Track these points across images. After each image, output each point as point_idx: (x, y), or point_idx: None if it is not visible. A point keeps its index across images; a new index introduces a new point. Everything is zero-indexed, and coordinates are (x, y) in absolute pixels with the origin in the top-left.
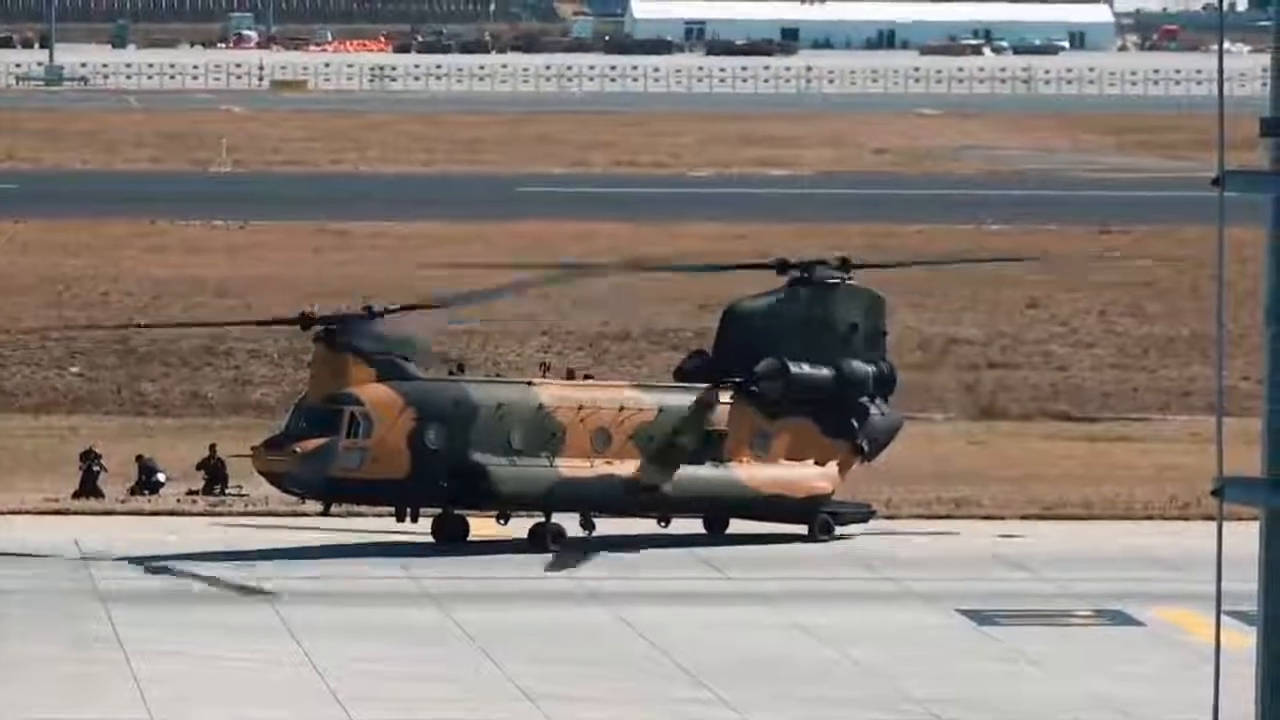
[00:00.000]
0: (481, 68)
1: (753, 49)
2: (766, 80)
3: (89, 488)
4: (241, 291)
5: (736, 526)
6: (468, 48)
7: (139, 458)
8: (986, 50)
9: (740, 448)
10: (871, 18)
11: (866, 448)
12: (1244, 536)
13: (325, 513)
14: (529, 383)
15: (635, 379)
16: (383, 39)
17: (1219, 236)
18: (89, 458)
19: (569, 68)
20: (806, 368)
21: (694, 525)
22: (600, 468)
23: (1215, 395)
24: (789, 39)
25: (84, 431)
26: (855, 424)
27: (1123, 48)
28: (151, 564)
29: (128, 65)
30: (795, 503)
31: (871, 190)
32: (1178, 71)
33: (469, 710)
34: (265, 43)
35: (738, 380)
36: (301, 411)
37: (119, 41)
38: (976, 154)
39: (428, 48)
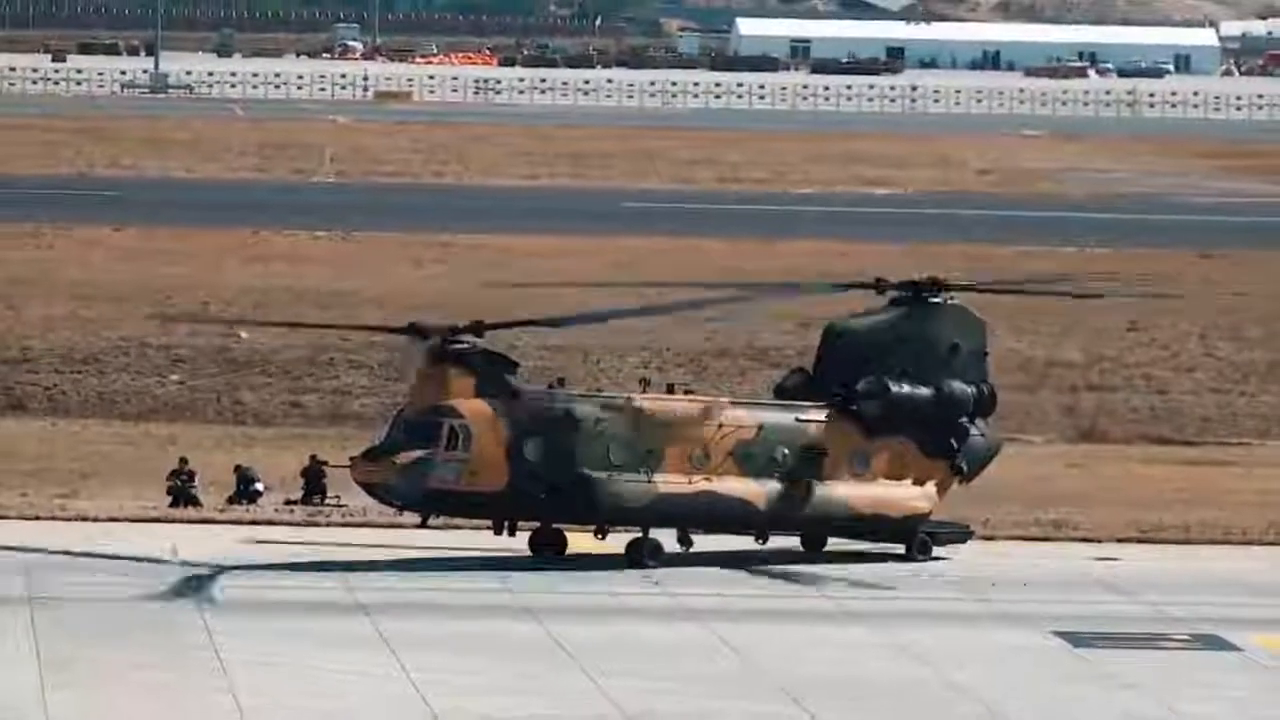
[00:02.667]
0: (586, 82)
1: (858, 68)
2: (871, 99)
3: (182, 503)
4: (343, 303)
5: (834, 545)
6: (573, 62)
7: (237, 467)
8: (1091, 72)
9: (839, 466)
10: (977, 38)
11: (965, 468)
12: None
13: (423, 525)
14: (630, 397)
15: (736, 396)
16: (488, 52)
17: None
18: (177, 475)
19: (674, 84)
20: (907, 387)
21: (792, 542)
22: (700, 484)
23: None
24: (894, 58)
25: (183, 440)
26: (955, 444)
27: (1227, 72)
28: (249, 573)
29: (232, 74)
30: (893, 522)
31: (972, 210)
32: None
33: None
34: (370, 54)
35: (838, 398)
36: (400, 423)
37: (224, 50)
38: (1080, 176)
39: (533, 61)
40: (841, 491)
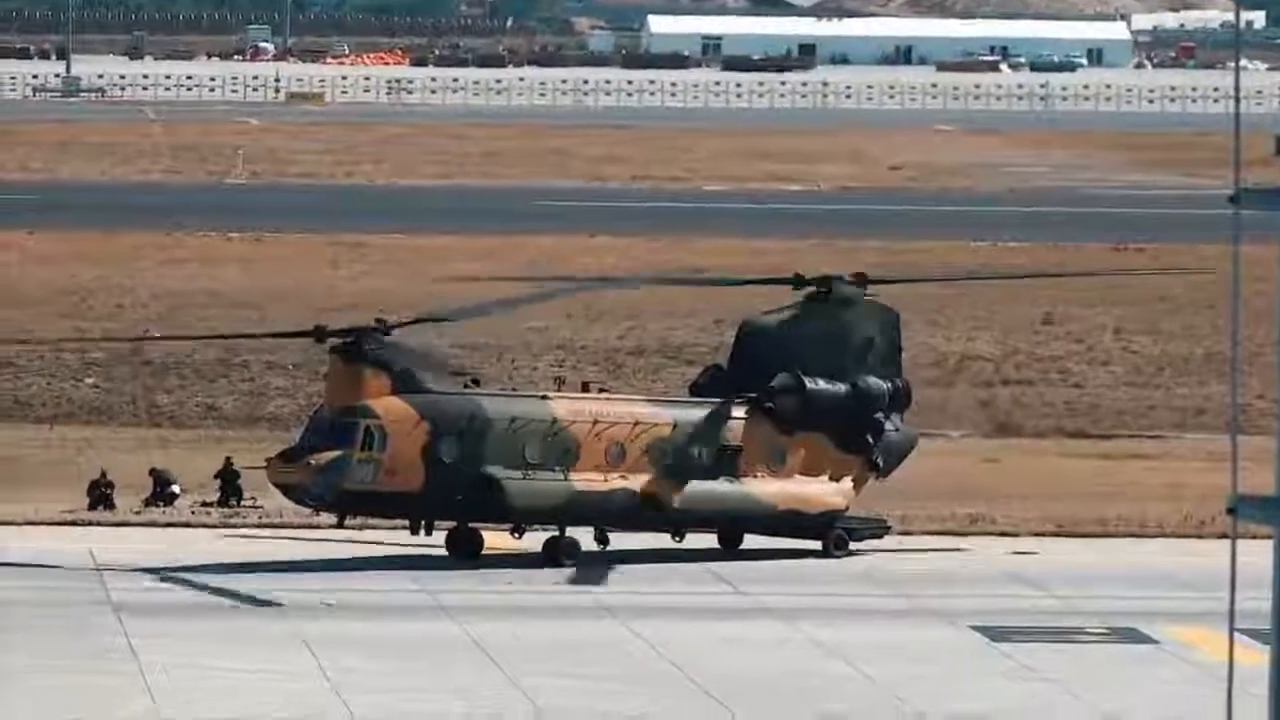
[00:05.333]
0: (498, 81)
1: (769, 64)
2: (783, 95)
3: (100, 506)
4: (257, 303)
5: (751, 541)
6: (485, 61)
7: (153, 470)
8: (1004, 67)
9: (755, 463)
10: (888, 34)
11: (881, 464)
12: (1258, 555)
13: (340, 525)
14: (544, 396)
15: (650, 394)
16: (399, 52)
17: (1234, 254)
18: (97, 486)
19: (586, 82)
20: (822, 383)
21: (709, 540)
22: (615, 481)
23: (1230, 413)
24: (806, 54)
25: (99, 442)
26: (870, 440)
27: (1140, 65)
28: (165, 575)
29: (145, 77)
30: (810, 518)
31: (888, 206)
32: (1194, 89)
33: None
34: (282, 55)
35: (753, 395)
36: (316, 424)
37: (136, 53)
38: (993, 170)
39: (444, 61)
40: (758, 488)
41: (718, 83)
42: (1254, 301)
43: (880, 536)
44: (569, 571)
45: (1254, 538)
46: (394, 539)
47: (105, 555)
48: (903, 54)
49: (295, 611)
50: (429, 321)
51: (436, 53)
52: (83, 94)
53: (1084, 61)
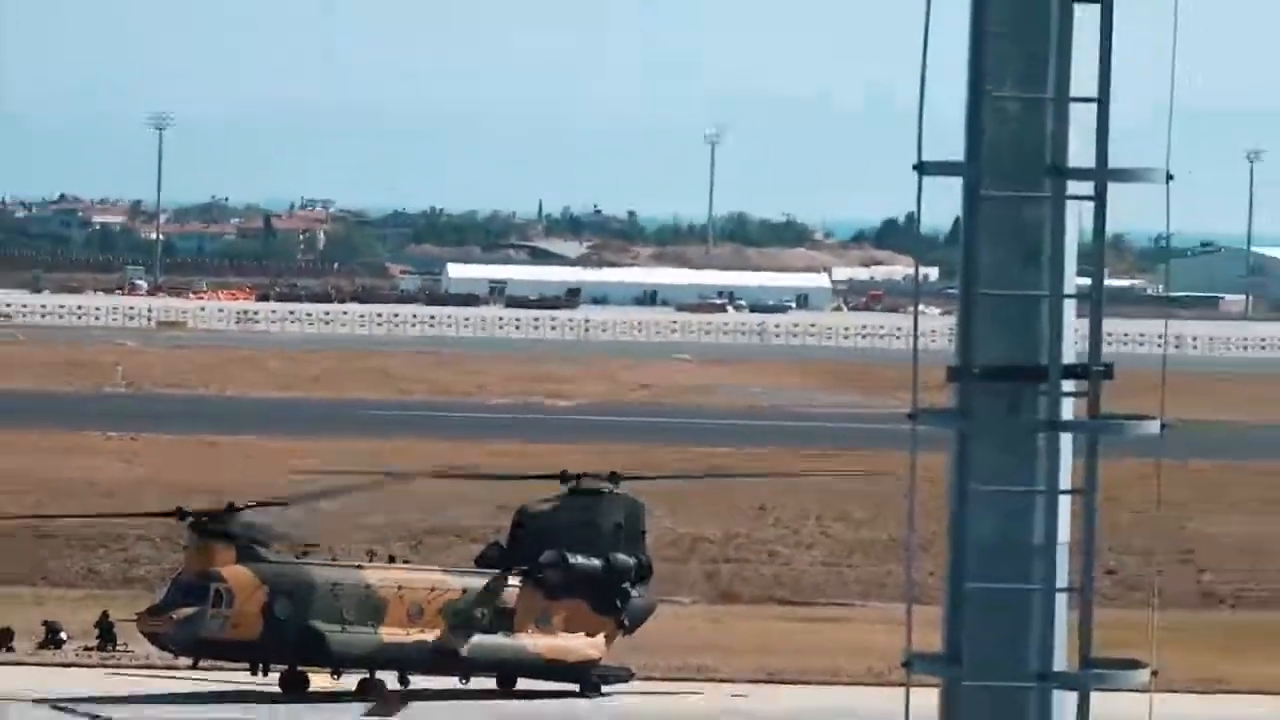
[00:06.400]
0: (327, 314)
1: (543, 303)
2: (554, 329)
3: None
4: (129, 489)
5: (523, 684)
6: (316, 297)
7: (45, 621)
8: (730, 308)
9: (527, 621)
10: (639, 280)
11: (628, 623)
12: (929, 697)
13: (194, 666)
14: (359, 566)
15: (443, 566)
16: (248, 289)
17: (912, 461)
18: (4, 637)
19: (396, 315)
20: (581, 559)
21: (489, 682)
22: (415, 635)
23: (906, 587)
24: (572, 296)
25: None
26: (619, 604)
27: (838, 308)
28: (56, 705)
29: (43, 306)
30: (570, 666)
31: (636, 418)
32: (882, 328)
33: None
34: (154, 291)
35: (526, 569)
36: (176, 586)
37: (35, 287)
38: (722, 391)
39: (283, 297)
40: (529, 642)
41: (502, 318)
42: (927, 501)
43: (625, 681)
44: (373, 705)
45: (925, 686)
46: (237, 678)
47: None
48: (650, 297)
49: None
50: (269, 505)
51: (277, 290)
52: None
53: (793, 305)
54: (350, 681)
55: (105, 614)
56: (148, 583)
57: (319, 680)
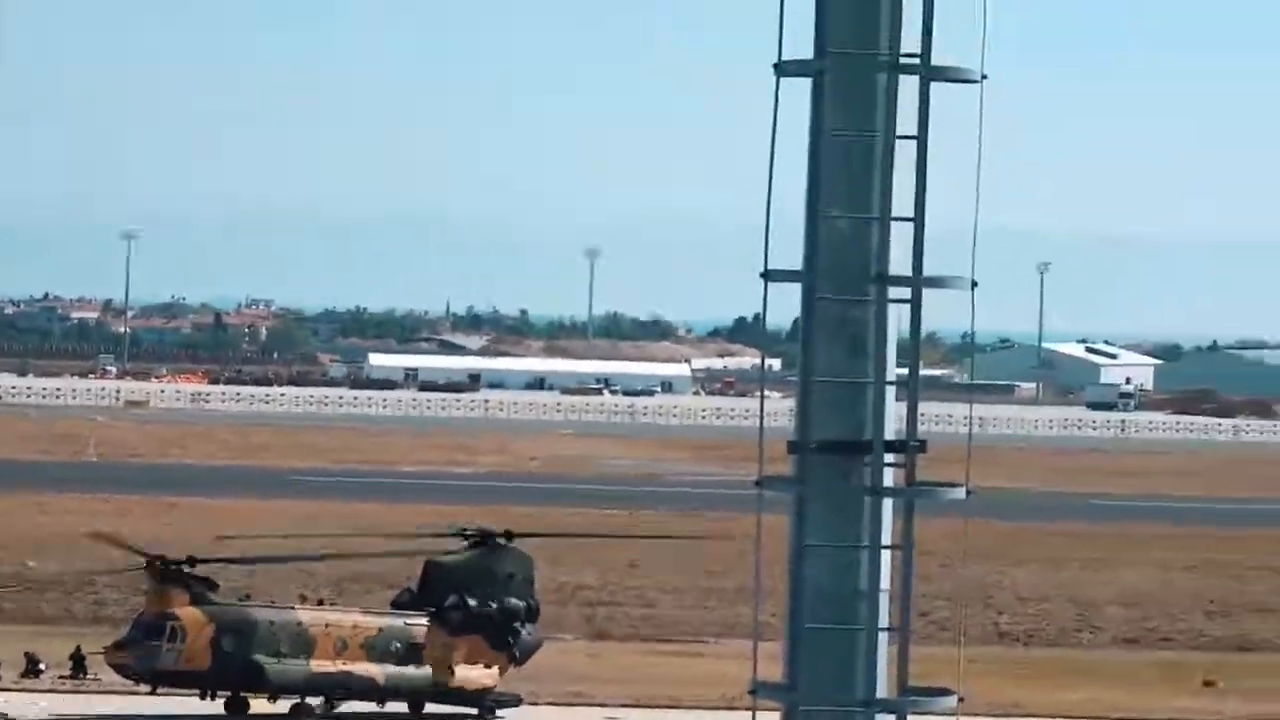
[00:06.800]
0: (268, 395)
1: (450, 387)
2: (458, 409)
3: None
4: (101, 545)
5: (430, 708)
6: (259, 381)
7: (27, 653)
8: (606, 392)
9: (433, 654)
10: (530, 368)
11: (519, 656)
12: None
13: (153, 692)
14: (292, 607)
15: (364, 607)
16: (201, 374)
17: (758, 520)
18: None
19: (326, 397)
20: (478, 602)
21: (402, 706)
22: (340, 666)
23: (753, 626)
24: (474, 381)
25: None
26: (511, 641)
27: (696, 393)
28: None
29: (28, 388)
30: (469, 693)
31: (527, 485)
32: (734, 409)
33: None
34: (121, 375)
35: (433, 610)
36: (138, 624)
37: (21, 372)
38: (600, 462)
39: (231, 381)
40: (435, 672)
41: (415, 400)
42: (775, 555)
43: (515, 705)
44: None
45: (769, 710)
46: (189, 704)
47: None
48: (539, 382)
49: None
50: (230, 562)
51: (226, 375)
52: None
53: (659, 389)
54: (284, 706)
55: (78, 648)
56: (114, 621)
57: (258, 705)
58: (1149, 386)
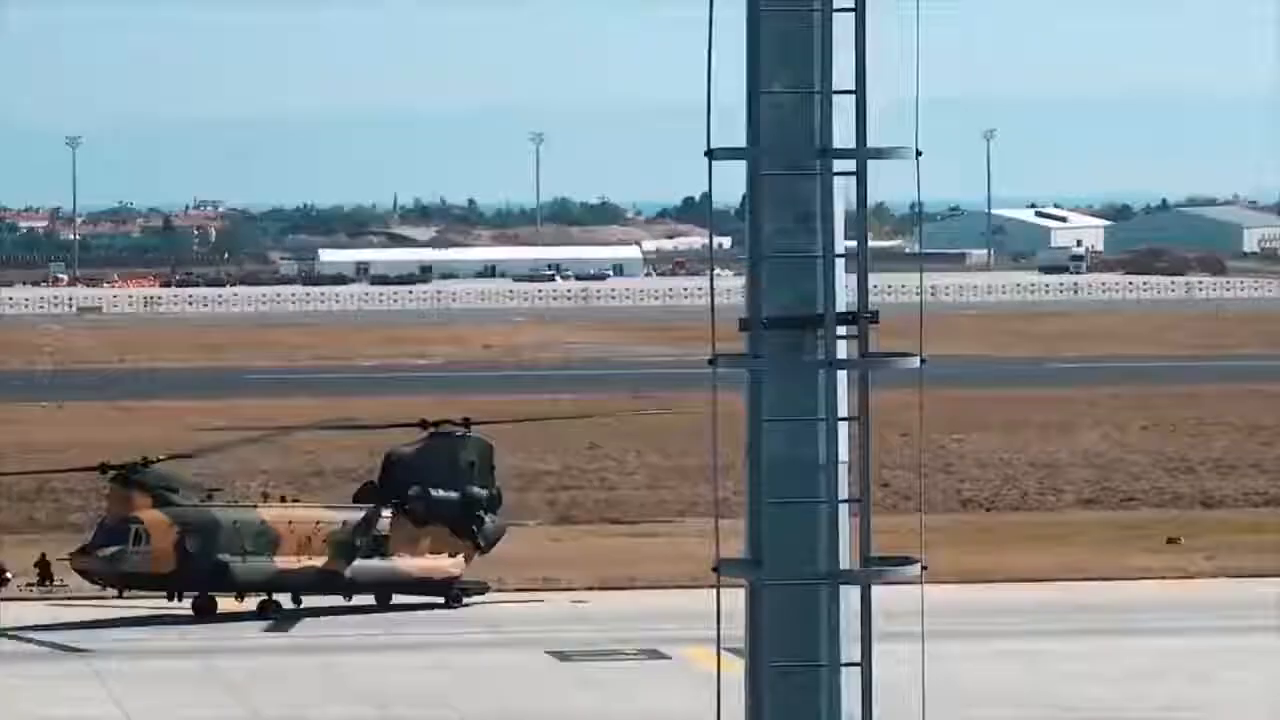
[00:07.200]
0: (220, 296)
1: (401, 280)
2: (411, 300)
3: None
4: (60, 449)
5: (397, 599)
6: (210, 282)
7: None
8: (558, 278)
9: (398, 546)
10: (480, 257)
11: (483, 545)
12: (737, 598)
13: (120, 596)
14: (254, 506)
15: (327, 502)
16: (153, 278)
17: (713, 399)
18: None
19: (279, 295)
20: (441, 493)
21: (369, 599)
22: (305, 562)
23: (713, 504)
24: (426, 273)
25: None
26: (475, 529)
27: (648, 274)
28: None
29: None
30: (436, 583)
31: (483, 373)
32: (685, 289)
33: None
34: (73, 282)
35: (396, 501)
36: (102, 528)
37: None
38: (554, 347)
39: (183, 283)
40: (400, 563)
41: (367, 294)
42: (730, 431)
43: (483, 593)
44: (272, 623)
45: (734, 587)
46: (157, 604)
47: None
48: (490, 270)
49: (92, 655)
50: (178, 457)
51: (178, 278)
52: None
53: (611, 273)
54: (252, 604)
55: (43, 555)
56: (78, 527)
57: (225, 604)
58: (1100, 248)
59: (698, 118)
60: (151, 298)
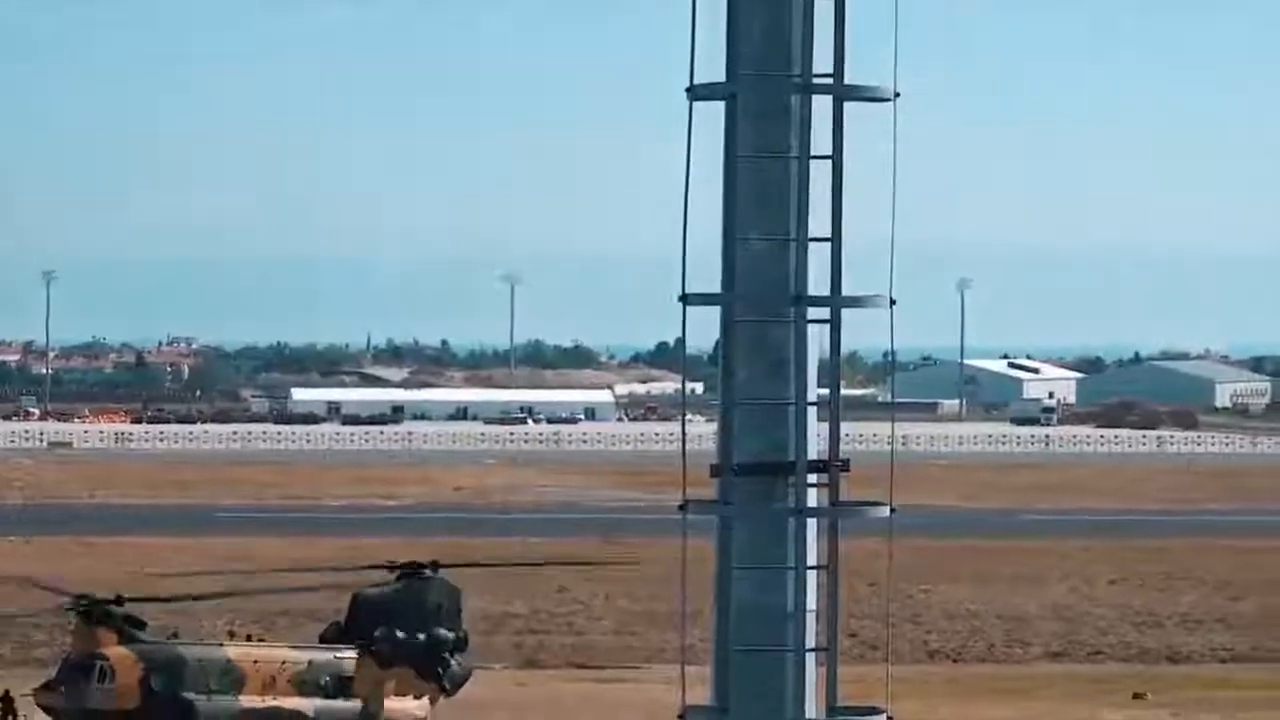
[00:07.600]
0: (191, 433)
1: (373, 420)
2: (382, 441)
3: None
4: (26, 586)
5: None
6: (181, 419)
7: None
8: (530, 421)
9: (363, 687)
10: (452, 399)
11: (449, 687)
12: None
13: None
14: (220, 644)
15: (292, 642)
16: (124, 413)
17: (683, 545)
18: None
19: (249, 432)
20: (407, 634)
21: None
22: (270, 701)
23: (680, 651)
24: (397, 413)
25: None
26: (441, 672)
27: (620, 419)
28: None
29: None
30: None
31: (454, 515)
32: (657, 434)
33: None
34: (44, 416)
35: (362, 643)
36: (66, 664)
37: None
38: (526, 490)
39: (154, 419)
40: (365, 705)
41: (339, 433)
42: (700, 579)
43: None
44: None
45: None
46: None
47: None
48: (462, 412)
49: None
50: (156, 600)
51: (149, 413)
52: None
53: (583, 417)
54: None
55: (6, 691)
56: (43, 662)
57: None
58: (1072, 400)
59: (672, 263)
60: (123, 433)
